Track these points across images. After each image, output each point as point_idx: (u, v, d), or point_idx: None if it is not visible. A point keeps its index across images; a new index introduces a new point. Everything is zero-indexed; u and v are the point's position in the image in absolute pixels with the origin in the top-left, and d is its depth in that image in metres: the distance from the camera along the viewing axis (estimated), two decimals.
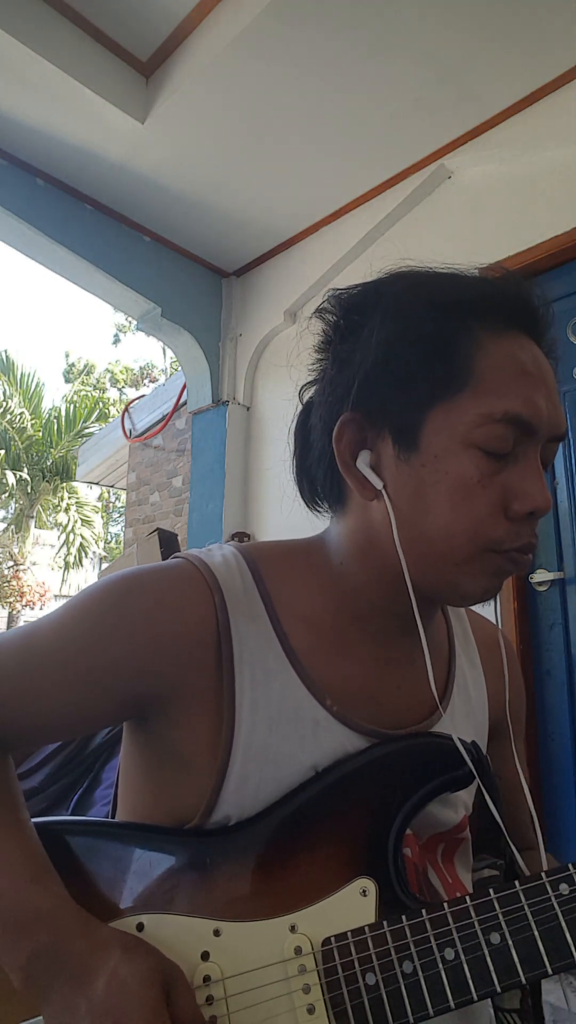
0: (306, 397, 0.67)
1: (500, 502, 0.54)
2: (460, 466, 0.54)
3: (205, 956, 0.51)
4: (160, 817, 0.59)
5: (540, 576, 2.15)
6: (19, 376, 13.35)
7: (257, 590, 0.61)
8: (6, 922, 0.51)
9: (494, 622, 0.71)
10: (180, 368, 3.68)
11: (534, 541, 0.56)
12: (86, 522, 13.98)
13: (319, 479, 0.65)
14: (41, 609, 13.73)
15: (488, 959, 0.48)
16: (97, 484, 6.42)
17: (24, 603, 13.30)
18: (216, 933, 0.52)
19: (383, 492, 0.58)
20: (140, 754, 0.62)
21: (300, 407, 0.68)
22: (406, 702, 0.62)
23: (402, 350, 0.56)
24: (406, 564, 0.57)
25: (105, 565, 15.09)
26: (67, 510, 13.73)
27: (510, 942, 0.48)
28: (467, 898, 0.50)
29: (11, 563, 13.36)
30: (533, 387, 0.55)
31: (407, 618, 0.59)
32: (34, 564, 13.86)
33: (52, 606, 13.67)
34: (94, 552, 14.60)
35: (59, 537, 14.08)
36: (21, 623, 13.43)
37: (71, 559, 13.62)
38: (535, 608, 2.19)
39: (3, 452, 13.03)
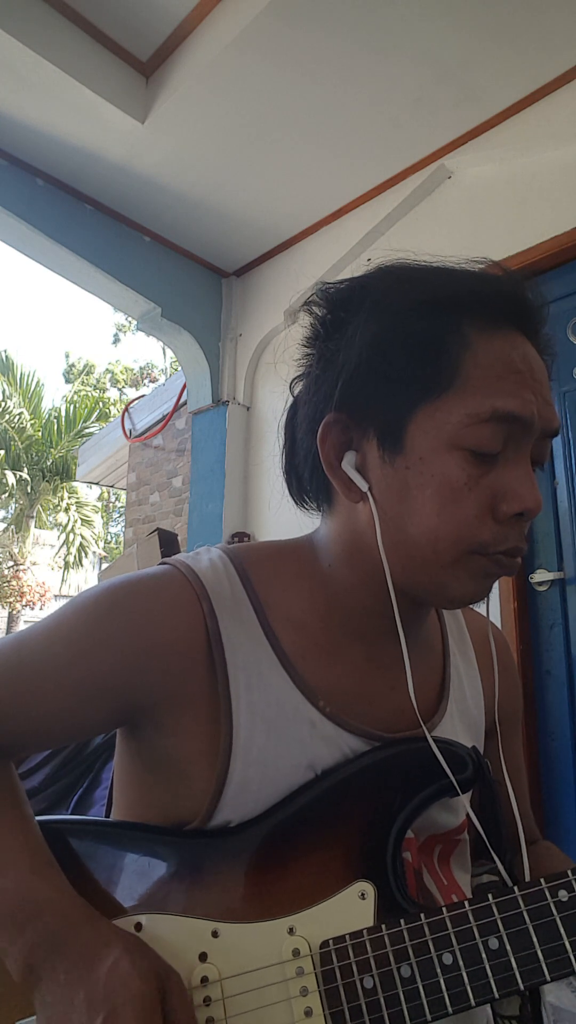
0: (296, 390, 0.66)
1: (488, 504, 0.53)
2: (446, 468, 0.53)
3: (203, 957, 0.51)
4: (155, 821, 0.59)
5: (540, 576, 2.15)
6: (19, 376, 13.35)
7: (246, 593, 0.61)
8: (9, 912, 0.51)
9: (494, 622, 0.71)
10: (180, 368, 3.68)
11: (522, 545, 0.55)
12: (86, 522, 13.98)
13: (305, 478, 0.64)
14: (41, 609, 13.74)
15: (487, 965, 0.47)
16: (97, 484, 6.42)
17: (24, 603, 13.30)
18: (214, 934, 0.51)
19: (368, 494, 0.57)
20: (134, 760, 0.62)
21: (290, 400, 0.67)
22: (400, 703, 0.61)
23: (387, 349, 0.55)
24: (391, 568, 0.56)
25: (105, 565, 15.09)
26: (67, 510, 13.73)
27: (509, 948, 0.47)
28: (466, 903, 0.50)
29: (11, 563, 13.36)
30: (522, 383, 0.53)
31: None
32: (34, 564, 13.85)
33: (52, 606, 13.68)
34: (94, 552, 14.61)
35: (59, 537, 14.08)
36: (21, 623, 13.42)
37: (71, 559, 13.62)
38: (535, 608, 2.19)
39: (3, 452, 13.03)
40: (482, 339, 0.54)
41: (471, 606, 0.61)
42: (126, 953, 0.48)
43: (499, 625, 2.14)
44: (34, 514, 13.59)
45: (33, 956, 0.49)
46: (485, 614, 0.74)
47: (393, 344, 0.55)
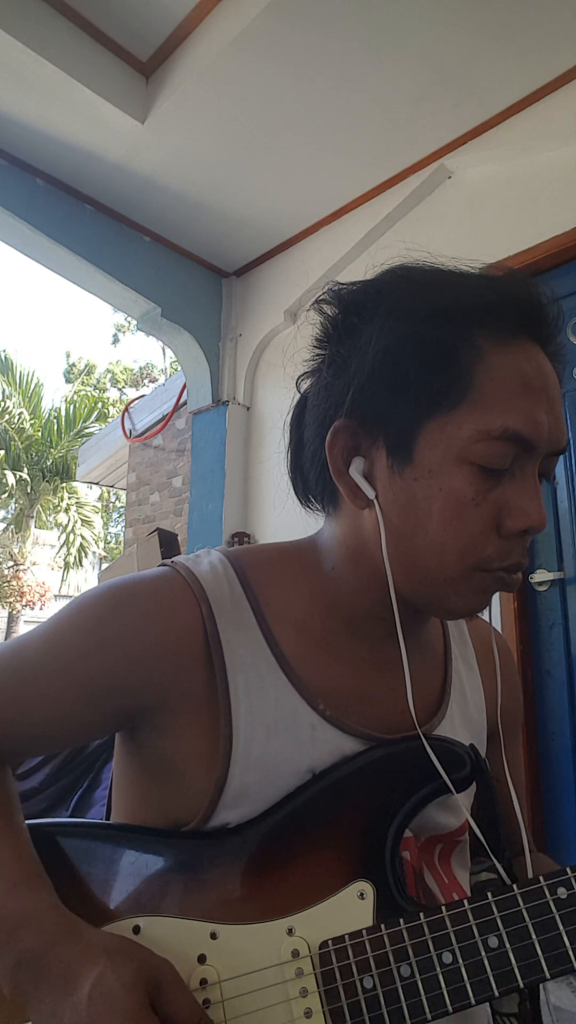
0: (303, 386, 0.65)
1: (493, 519, 0.53)
2: (454, 483, 0.53)
3: (202, 959, 0.51)
4: (154, 822, 0.59)
5: (540, 576, 2.15)
6: (19, 376, 13.35)
7: (245, 596, 0.61)
8: None
9: (494, 621, 0.70)
10: (180, 368, 3.68)
11: (524, 561, 0.55)
12: (86, 522, 13.98)
13: (311, 479, 0.64)
14: (41, 609, 13.74)
15: (486, 963, 0.47)
16: (97, 484, 6.42)
17: (24, 603, 13.30)
18: (213, 936, 0.51)
19: (374, 502, 0.57)
20: (132, 762, 0.62)
21: (296, 397, 0.66)
22: (400, 705, 0.61)
23: (400, 360, 0.54)
24: (393, 575, 0.56)
25: (105, 565, 15.09)
26: (67, 510, 13.74)
27: (508, 946, 0.47)
28: (465, 902, 0.50)
29: (11, 563, 13.36)
30: (535, 401, 0.53)
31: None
32: (34, 564, 13.85)
33: (52, 606, 13.68)
34: (94, 552, 14.61)
35: (59, 537, 14.09)
36: (21, 623, 13.38)
37: (71, 559, 13.62)
38: (535, 608, 2.19)
39: (3, 452, 13.03)
40: (496, 351, 0.53)
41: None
42: (109, 965, 0.46)
43: (499, 625, 2.15)
44: (34, 514, 13.59)
45: (16, 977, 0.48)
46: (489, 614, 0.73)
47: (406, 355, 0.54)
